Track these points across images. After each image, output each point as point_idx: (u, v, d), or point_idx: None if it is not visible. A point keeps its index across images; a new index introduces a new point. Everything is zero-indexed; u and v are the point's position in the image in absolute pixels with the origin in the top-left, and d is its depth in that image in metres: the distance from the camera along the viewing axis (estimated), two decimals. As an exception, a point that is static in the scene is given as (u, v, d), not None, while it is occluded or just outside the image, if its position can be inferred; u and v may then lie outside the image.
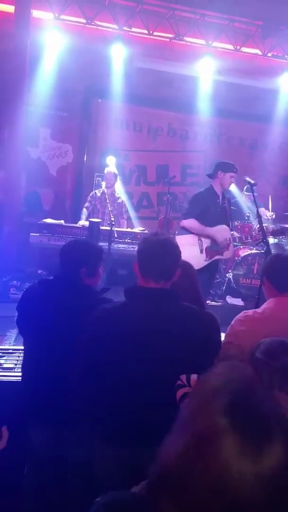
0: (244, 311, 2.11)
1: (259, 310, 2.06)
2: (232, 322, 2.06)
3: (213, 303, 5.10)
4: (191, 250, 4.08)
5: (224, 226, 4.26)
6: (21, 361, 2.38)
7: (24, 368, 2.21)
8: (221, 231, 4.23)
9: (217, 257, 4.24)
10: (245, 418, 0.66)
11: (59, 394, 1.96)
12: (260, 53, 6.51)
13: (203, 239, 4.18)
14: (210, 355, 1.77)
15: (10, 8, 5.69)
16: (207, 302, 4.57)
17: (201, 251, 4.16)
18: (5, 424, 1.64)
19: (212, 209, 4.19)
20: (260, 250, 4.79)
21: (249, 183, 3.80)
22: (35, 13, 5.77)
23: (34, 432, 2.13)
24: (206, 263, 4.16)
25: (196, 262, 4.08)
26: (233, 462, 0.63)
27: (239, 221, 6.06)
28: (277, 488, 0.64)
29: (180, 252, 1.85)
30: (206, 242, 4.18)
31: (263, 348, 1.33)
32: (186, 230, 4.20)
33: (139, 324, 1.68)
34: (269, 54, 6.55)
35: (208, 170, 7.05)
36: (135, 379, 1.64)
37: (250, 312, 2.07)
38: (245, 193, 6.03)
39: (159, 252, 1.76)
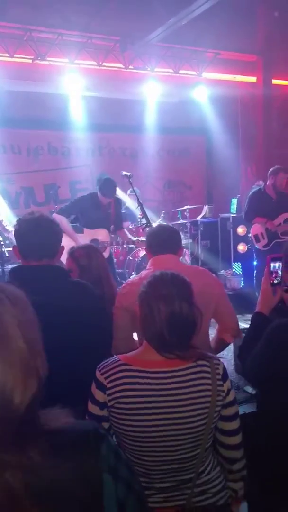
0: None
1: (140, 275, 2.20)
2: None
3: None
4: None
5: (103, 230, 4.50)
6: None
7: None
8: (94, 234, 4.44)
9: None
10: None
11: None
12: (122, 66, 6.87)
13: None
14: (102, 325, 1.81)
15: None
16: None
17: None
18: None
19: (94, 213, 4.38)
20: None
21: (126, 176, 3.94)
22: None
23: None
24: None
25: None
26: None
27: (133, 224, 6.24)
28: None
29: (60, 229, 1.80)
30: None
31: (146, 283, 1.45)
32: None
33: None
34: (131, 67, 6.94)
35: (95, 182, 7.25)
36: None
37: (132, 278, 2.32)
38: (129, 194, 6.20)
39: (37, 229, 1.69)
